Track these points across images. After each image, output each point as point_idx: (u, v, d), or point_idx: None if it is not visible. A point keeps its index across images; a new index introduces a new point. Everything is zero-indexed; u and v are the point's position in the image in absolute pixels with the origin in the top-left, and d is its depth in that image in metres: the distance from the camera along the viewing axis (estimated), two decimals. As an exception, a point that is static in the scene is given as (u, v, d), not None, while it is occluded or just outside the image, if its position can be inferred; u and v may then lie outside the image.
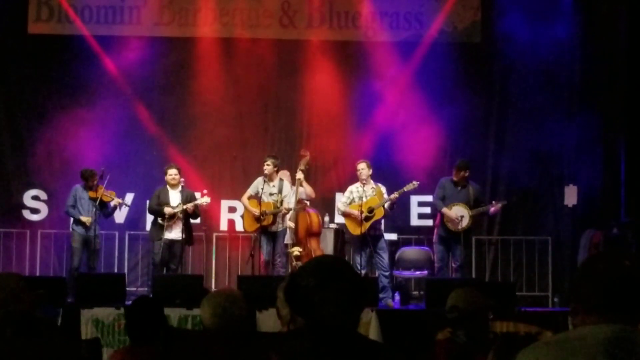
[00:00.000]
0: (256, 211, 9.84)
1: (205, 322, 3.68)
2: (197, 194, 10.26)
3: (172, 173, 10.00)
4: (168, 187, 10.02)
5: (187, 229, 10.02)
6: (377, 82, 11.63)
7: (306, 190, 10.06)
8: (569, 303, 2.12)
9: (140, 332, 4.01)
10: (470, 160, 10.37)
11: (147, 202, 10.37)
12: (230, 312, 3.65)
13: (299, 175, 9.96)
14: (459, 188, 10.02)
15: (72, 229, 10.24)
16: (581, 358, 1.92)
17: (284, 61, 11.83)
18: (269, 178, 9.98)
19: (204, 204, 10.11)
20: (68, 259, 10.67)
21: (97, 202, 9.98)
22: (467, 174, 10.03)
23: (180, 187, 10.06)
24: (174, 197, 9.98)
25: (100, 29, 11.77)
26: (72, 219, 10.31)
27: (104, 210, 10.24)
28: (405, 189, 9.78)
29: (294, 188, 9.97)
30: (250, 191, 10.10)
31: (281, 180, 10.09)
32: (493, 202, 10.14)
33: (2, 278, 3.78)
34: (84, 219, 10.04)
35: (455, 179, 10.04)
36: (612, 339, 1.94)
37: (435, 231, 10.15)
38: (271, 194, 9.94)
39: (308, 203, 10.17)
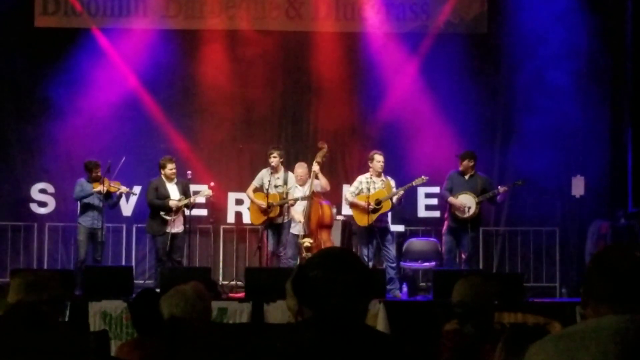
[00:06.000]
0: (263, 203, 9.85)
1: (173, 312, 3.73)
2: (195, 187, 10.30)
3: (172, 167, 9.97)
4: (165, 179, 10.00)
5: (187, 220, 10.06)
6: (384, 73, 11.61)
7: (321, 182, 10.02)
8: (581, 294, 2.13)
9: (145, 324, 4.02)
10: (477, 152, 10.35)
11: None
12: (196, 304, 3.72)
13: (315, 167, 9.91)
14: (467, 178, 10.04)
15: (78, 222, 10.23)
16: (593, 349, 1.93)
17: (291, 53, 11.84)
18: (274, 170, 9.97)
19: (207, 196, 10.14)
20: (75, 252, 10.69)
21: (102, 193, 9.96)
22: (472, 164, 10.04)
23: (175, 179, 10.06)
24: (173, 190, 9.98)
25: (106, 22, 11.78)
26: (78, 211, 10.29)
27: (109, 200, 10.22)
28: (413, 183, 9.78)
29: (309, 180, 9.93)
30: (256, 183, 10.11)
31: (286, 172, 10.07)
32: (499, 187, 10.11)
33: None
34: (96, 189, 9.94)
35: (461, 169, 10.06)
36: (623, 329, 1.94)
37: (446, 223, 10.15)
38: (276, 186, 9.92)
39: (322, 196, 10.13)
